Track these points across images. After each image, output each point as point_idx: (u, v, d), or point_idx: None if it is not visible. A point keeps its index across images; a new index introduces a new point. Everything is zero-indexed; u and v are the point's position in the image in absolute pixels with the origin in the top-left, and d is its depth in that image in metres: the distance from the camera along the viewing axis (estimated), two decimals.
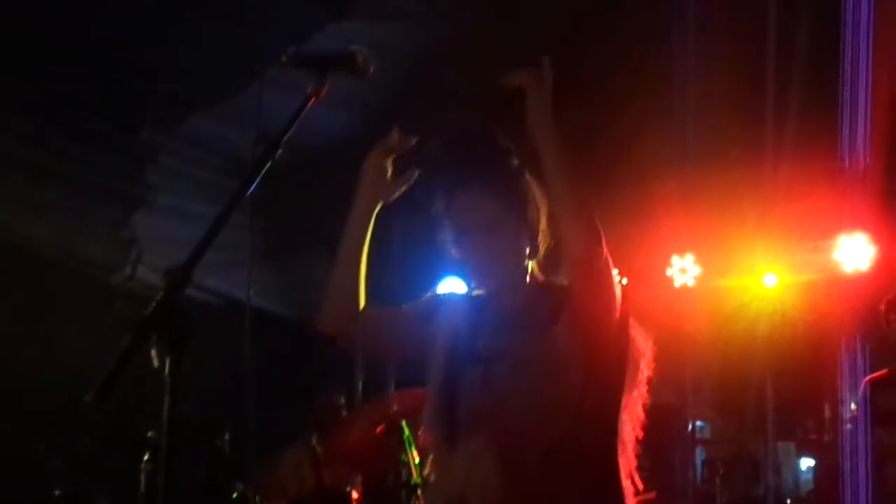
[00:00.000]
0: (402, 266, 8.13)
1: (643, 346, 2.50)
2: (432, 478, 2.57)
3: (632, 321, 2.49)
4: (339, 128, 7.08)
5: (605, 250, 2.32)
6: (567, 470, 2.34)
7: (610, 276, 2.37)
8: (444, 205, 2.49)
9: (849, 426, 7.43)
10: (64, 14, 5.76)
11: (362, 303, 2.58)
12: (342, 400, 6.34)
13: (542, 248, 2.51)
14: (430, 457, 2.58)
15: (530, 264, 2.51)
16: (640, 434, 2.47)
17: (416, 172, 2.60)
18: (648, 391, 2.50)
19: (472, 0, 6.31)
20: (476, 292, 2.61)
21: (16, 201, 6.82)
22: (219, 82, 6.37)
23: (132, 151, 7.03)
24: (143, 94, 6.51)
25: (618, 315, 2.41)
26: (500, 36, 6.54)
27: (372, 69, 2.16)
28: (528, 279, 2.51)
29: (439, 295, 2.74)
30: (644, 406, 2.51)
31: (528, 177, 2.49)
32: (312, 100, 2.08)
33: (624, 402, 2.44)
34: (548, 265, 2.54)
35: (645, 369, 2.49)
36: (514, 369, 2.40)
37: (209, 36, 6.06)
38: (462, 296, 2.69)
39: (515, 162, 2.49)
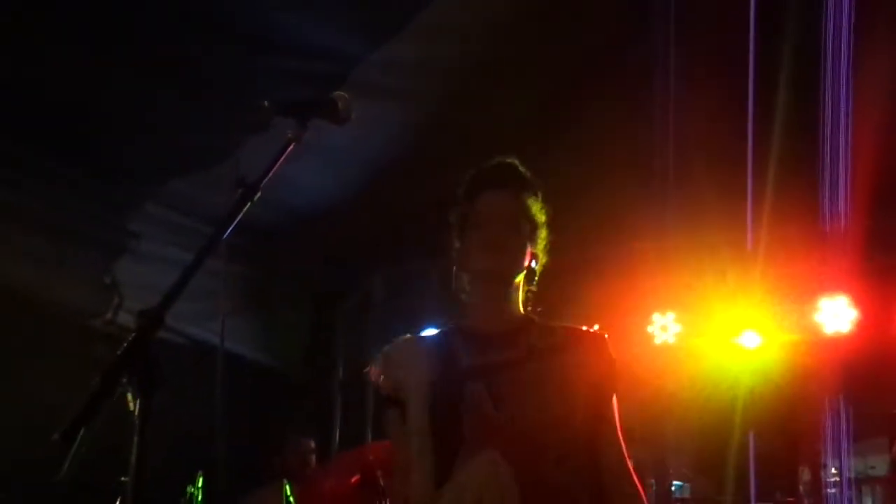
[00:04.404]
0: (385, 319, 8.17)
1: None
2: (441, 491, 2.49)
3: None
4: (328, 189, 7.23)
5: None
6: (578, 476, 2.49)
7: None
8: (471, 201, 2.63)
9: (831, 490, 7.40)
10: (46, 69, 5.84)
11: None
12: (312, 445, 6.30)
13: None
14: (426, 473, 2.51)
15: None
16: None
17: None
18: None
19: (461, 76, 6.46)
20: (443, 328, 2.70)
21: None
22: (204, 151, 6.47)
23: (115, 199, 7.08)
24: (127, 157, 6.64)
25: None
26: (486, 107, 6.68)
27: (352, 115, 2.18)
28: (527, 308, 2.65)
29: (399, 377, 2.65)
30: None
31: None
32: (292, 145, 2.09)
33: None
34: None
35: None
36: (526, 385, 2.50)
37: (195, 108, 6.15)
38: (426, 336, 2.74)
39: (539, 198, 2.68)
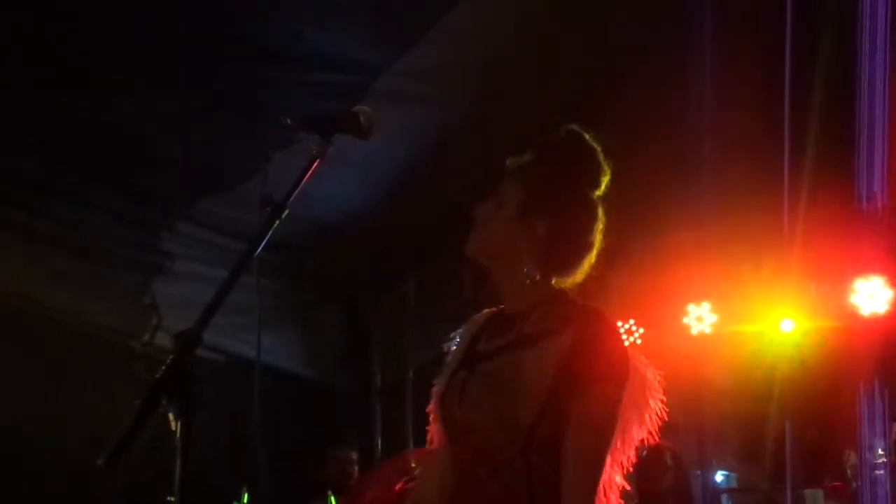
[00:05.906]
0: (419, 325, 8.17)
1: (650, 378, 2.39)
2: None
3: (642, 358, 2.40)
4: (357, 198, 7.28)
5: None
6: (514, 488, 2.23)
7: None
8: None
9: (877, 472, 7.33)
10: (76, 96, 5.93)
11: None
12: (354, 455, 6.30)
13: (555, 275, 2.42)
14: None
15: (533, 276, 2.38)
16: (624, 482, 2.36)
17: None
18: (656, 433, 2.38)
19: (486, 78, 6.47)
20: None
21: (36, 271, 6.90)
22: (230, 169, 6.54)
23: (148, 220, 7.18)
24: (157, 179, 6.73)
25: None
26: (513, 107, 6.66)
27: (374, 128, 2.19)
28: (531, 287, 2.39)
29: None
30: (639, 448, 2.40)
31: (580, 203, 2.49)
32: (317, 161, 2.11)
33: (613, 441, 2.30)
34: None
35: (651, 410, 2.37)
36: (487, 381, 2.33)
37: (220, 127, 6.21)
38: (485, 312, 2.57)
39: (579, 178, 2.52)
